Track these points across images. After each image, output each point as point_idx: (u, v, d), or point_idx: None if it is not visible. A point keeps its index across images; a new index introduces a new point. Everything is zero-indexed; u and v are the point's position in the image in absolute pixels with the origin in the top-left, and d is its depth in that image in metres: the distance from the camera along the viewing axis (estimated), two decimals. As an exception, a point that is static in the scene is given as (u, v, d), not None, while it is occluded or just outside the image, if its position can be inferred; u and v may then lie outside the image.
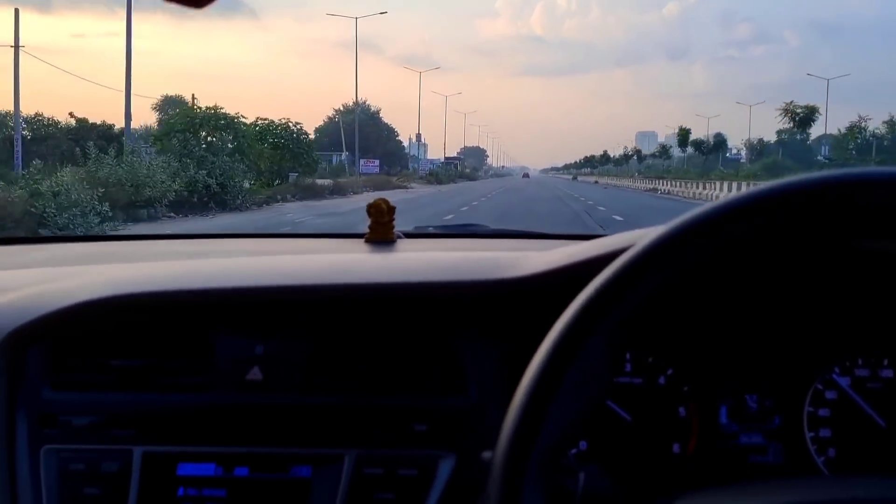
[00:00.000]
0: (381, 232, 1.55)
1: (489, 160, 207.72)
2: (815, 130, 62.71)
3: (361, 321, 1.00)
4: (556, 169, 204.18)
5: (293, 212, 20.82)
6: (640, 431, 1.04)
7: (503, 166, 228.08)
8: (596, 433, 1.04)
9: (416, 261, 1.21)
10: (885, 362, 1.04)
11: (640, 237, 0.64)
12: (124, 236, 1.97)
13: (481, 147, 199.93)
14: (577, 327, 0.59)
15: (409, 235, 1.62)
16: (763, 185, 0.62)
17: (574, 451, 1.04)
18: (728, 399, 1.05)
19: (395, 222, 1.55)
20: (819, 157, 62.89)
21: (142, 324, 1.02)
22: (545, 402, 0.58)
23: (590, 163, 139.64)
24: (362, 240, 1.54)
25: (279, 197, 26.51)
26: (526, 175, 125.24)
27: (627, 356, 1.07)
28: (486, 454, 0.62)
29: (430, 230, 1.89)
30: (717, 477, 1.01)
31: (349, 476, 0.91)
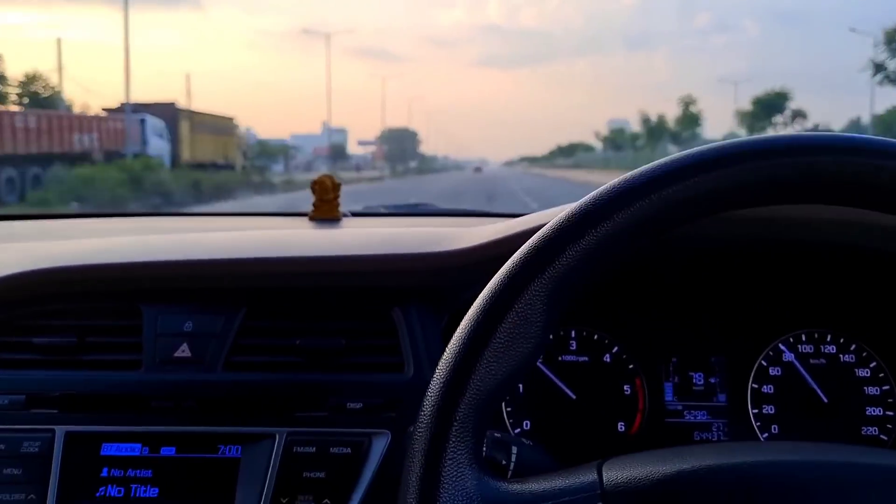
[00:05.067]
0: (325, 210, 1.50)
1: (421, 147, 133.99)
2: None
3: (294, 296, 0.97)
4: (531, 160, 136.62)
5: None
6: (585, 409, 1.04)
7: (447, 156, 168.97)
8: (540, 411, 1.03)
9: (355, 236, 1.17)
10: (829, 337, 1.05)
11: None
12: (54, 214, 1.90)
13: (411, 129, 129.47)
14: (509, 284, 0.57)
15: (356, 214, 1.58)
16: (703, 147, 0.60)
17: (518, 430, 1.03)
18: (673, 377, 1.05)
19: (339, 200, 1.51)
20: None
21: (67, 300, 0.97)
22: (471, 362, 0.56)
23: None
24: (306, 218, 1.50)
25: None
26: (478, 169, 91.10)
27: (573, 334, 1.06)
28: (413, 428, 0.60)
29: (381, 209, 1.85)
30: None
31: (280, 455, 0.88)
